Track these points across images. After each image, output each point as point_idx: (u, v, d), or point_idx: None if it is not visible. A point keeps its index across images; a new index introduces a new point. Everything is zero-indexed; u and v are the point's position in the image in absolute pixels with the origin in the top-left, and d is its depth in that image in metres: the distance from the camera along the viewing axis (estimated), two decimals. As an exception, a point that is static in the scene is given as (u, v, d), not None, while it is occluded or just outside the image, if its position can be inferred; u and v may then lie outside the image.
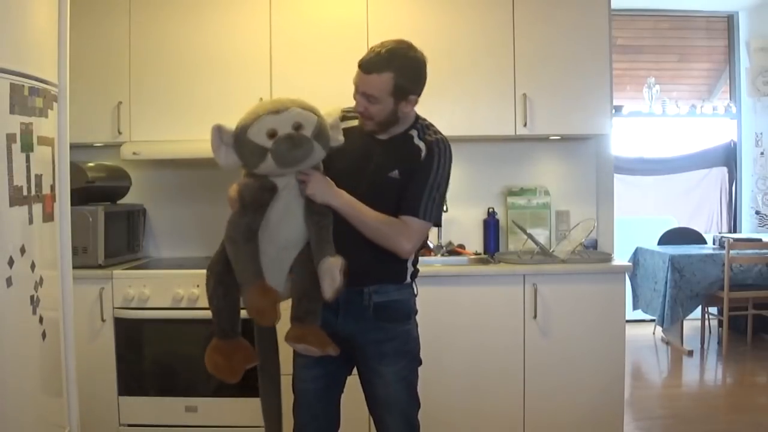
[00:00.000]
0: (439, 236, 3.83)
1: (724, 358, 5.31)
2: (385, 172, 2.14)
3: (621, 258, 3.74)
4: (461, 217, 3.91)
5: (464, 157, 3.91)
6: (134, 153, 3.49)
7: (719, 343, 5.59)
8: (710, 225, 6.70)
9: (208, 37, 3.56)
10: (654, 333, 5.92)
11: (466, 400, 3.31)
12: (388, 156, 2.15)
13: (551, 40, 3.57)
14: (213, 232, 3.78)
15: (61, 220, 2.46)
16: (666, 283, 5.22)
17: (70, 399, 2.51)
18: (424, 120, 2.24)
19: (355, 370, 2.28)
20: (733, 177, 6.64)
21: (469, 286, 3.32)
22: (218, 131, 1.98)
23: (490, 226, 3.85)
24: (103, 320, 3.25)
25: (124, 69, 3.54)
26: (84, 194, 3.31)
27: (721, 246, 5.34)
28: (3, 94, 2.02)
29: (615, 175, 3.91)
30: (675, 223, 6.38)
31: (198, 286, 3.20)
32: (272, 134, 1.95)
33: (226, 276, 2.04)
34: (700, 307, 5.55)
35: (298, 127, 1.97)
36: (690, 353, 5.38)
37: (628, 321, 3.48)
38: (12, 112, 2.06)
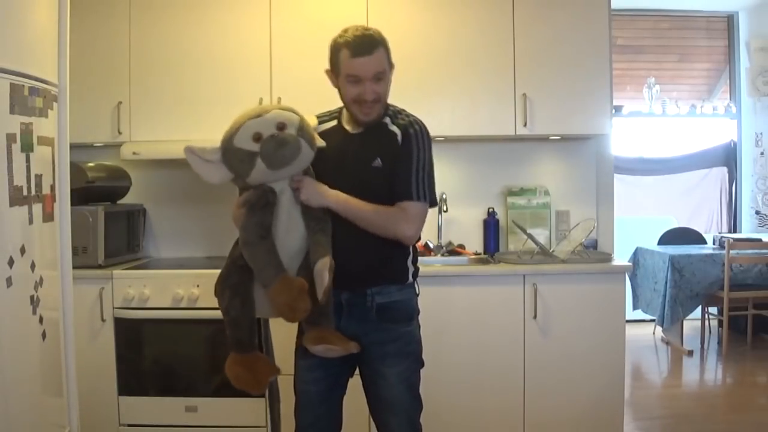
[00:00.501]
0: (439, 236, 3.83)
1: (724, 358, 5.31)
2: (367, 163, 2.16)
3: (621, 258, 3.74)
4: (461, 217, 3.91)
5: (464, 157, 3.92)
6: (134, 153, 3.49)
7: (719, 343, 5.59)
8: (710, 225, 6.70)
9: (208, 36, 3.56)
10: (654, 333, 5.92)
11: (466, 399, 3.31)
12: (367, 147, 2.18)
13: (551, 40, 3.57)
14: (213, 232, 3.85)
15: (61, 220, 2.46)
16: (666, 283, 5.23)
17: (70, 399, 2.50)
18: (395, 106, 2.26)
19: (357, 372, 2.28)
20: (733, 177, 6.63)
21: (469, 286, 3.32)
22: (191, 152, 2.01)
23: (490, 226, 3.85)
24: (103, 320, 3.25)
25: (124, 69, 3.54)
26: (84, 194, 3.31)
27: (721, 246, 5.34)
28: (3, 94, 2.02)
29: (615, 175, 3.91)
30: (675, 223, 6.38)
31: (198, 286, 3.20)
32: (258, 137, 1.97)
33: (242, 287, 2.06)
34: (700, 307, 5.55)
35: (281, 127, 1.99)
36: (690, 353, 5.38)
37: (628, 321, 3.48)
38: (12, 112, 2.06)
